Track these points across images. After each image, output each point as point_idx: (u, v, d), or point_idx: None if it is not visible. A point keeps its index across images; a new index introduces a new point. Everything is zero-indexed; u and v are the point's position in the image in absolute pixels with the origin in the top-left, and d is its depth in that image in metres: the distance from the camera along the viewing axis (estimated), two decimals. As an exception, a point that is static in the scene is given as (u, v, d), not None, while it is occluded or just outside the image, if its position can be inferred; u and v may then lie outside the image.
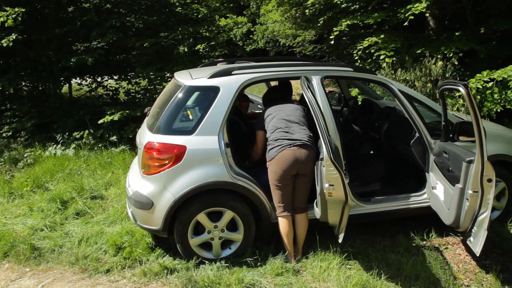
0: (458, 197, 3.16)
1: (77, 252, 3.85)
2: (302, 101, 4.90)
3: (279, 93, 4.08)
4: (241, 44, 24.37)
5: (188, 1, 9.65)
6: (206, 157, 3.48)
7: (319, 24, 9.42)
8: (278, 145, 3.47)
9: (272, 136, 3.56)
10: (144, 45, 7.63)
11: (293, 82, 4.27)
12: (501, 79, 5.07)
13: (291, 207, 3.56)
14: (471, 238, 3.18)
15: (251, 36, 23.36)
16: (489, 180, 2.99)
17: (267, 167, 3.54)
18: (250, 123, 4.30)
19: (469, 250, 3.78)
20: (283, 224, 3.55)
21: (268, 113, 3.72)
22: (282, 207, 3.53)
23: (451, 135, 3.77)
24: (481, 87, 5.18)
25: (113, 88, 9.26)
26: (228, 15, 21.54)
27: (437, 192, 3.64)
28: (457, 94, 5.75)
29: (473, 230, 3.14)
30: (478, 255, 3.08)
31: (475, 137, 2.96)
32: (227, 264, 3.56)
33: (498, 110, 5.23)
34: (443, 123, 3.67)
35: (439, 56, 6.35)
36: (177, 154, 3.44)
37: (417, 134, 3.92)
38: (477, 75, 5.37)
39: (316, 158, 3.43)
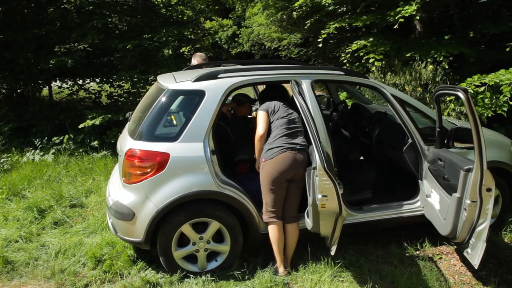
0: (455, 207, 3.03)
1: (53, 266, 3.65)
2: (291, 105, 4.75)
3: (279, 91, 3.85)
4: (226, 47, 24.29)
5: (173, 2, 9.48)
6: (190, 165, 3.31)
7: (306, 27, 9.33)
8: (278, 146, 3.33)
9: (273, 135, 3.41)
10: (127, 47, 7.42)
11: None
12: (493, 83, 5.01)
13: (282, 214, 3.40)
14: (469, 250, 3.05)
15: (236, 39, 23.30)
16: (488, 190, 2.87)
17: (261, 168, 3.38)
18: (244, 128, 4.16)
19: (464, 260, 3.67)
20: (274, 231, 3.38)
21: (277, 106, 3.52)
22: (274, 213, 3.37)
23: (445, 142, 3.65)
24: (472, 91, 5.12)
25: (95, 91, 9.02)
26: (213, 17, 21.42)
27: (431, 201, 3.52)
28: (448, 98, 5.67)
29: (470, 241, 3.02)
30: (476, 267, 2.96)
31: (474, 144, 2.84)
32: (213, 278, 3.39)
33: (489, 115, 5.16)
34: (438, 129, 3.55)
35: (429, 60, 6.28)
36: (160, 162, 3.26)
37: (410, 140, 3.80)
38: (468, 79, 5.30)
39: (307, 165, 3.30)
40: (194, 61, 5.44)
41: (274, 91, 3.86)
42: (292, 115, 3.51)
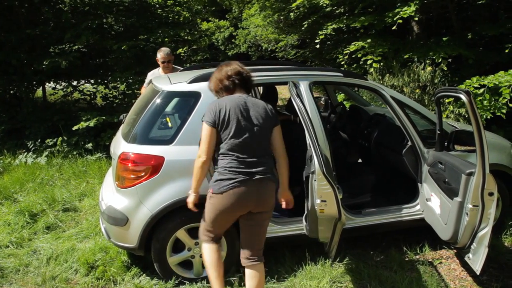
0: (457, 212, 2.97)
1: (44, 272, 3.56)
2: (289, 108, 4.69)
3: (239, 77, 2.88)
4: (223, 49, 24.21)
5: (169, 3, 9.40)
6: (186, 168, 3.20)
7: (303, 28, 9.27)
8: (229, 178, 2.66)
9: (225, 159, 2.68)
10: (122, 48, 7.33)
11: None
12: (492, 85, 4.96)
13: (221, 238, 2.96)
14: (470, 255, 2.99)
15: (233, 40, 23.22)
16: (490, 194, 2.81)
17: (208, 197, 2.80)
18: None
19: (464, 265, 3.60)
20: (210, 251, 2.84)
21: (229, 113, 2.66)
22: (212, 233, 2.86)
23: (446, 144, 3.58)
24: (472, 93, 5.06)
25: (90, 92, 8.92)
26: (210, 19, 21.35)
27: (432, 204, 3.45)
28: (447, 100, 5.62)
29: (472, 246, 2.96)
30: (478, 273, 2.90)
31: (475, 147, 2.78)
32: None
33: (488, 117, 5.12)
34: (438, 132, 3.49)
35: (427, 62, 6.23)
36: (154, 165, 3.18)
37: (409, 143, 3.74)
38: (467, 81, 5.26)
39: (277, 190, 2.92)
40: (158, 55, 5.38)
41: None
42: (254, 123, 2.73)
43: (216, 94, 2.91)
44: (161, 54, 5.34)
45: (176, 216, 3.23)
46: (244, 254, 2.84)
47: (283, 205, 2.97)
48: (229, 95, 2.79)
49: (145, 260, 3.57)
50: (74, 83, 9.01)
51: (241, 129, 2.67)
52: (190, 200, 2.83)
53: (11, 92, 8.37)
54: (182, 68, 5.22)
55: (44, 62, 6.97)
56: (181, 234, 3.27)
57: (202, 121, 2.74)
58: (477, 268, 2.89)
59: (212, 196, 2.75)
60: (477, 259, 2.90)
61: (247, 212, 2.76)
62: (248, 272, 2.81)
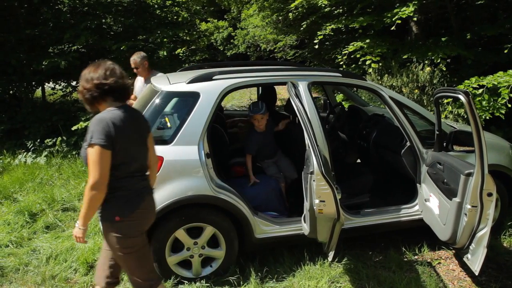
0: (455, 212, 2.97)
1: (44, 271, 3.56)
2: (288, 108, 4.70)
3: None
4: (221, 49, 24.22)
5: (168, 3, 9.41)
6: (185, 168, 3.23)
7: (301, 29, 9.28)
8: (134, 193, 2.39)
9: (121, 173, 2.33)
10: (121, 48, 7.33)
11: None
12: (491, 85, 4.96)
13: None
14: (469, 256, 2.99)
15: (232, 40, 23.23)
16: (489, 194, 2.81)
17: (112, 230, 2.34)
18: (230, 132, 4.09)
19: (463, 265, 3.61)
20: None
21: (121, 129, 2.28)
22: (151, 277, 2.51)
23: (445, 145, 3.59)
24: (470, 94, 5.07)
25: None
26: (209, 19, 21.34)
27: (430, 205, 3.46)
28: (446, 101, 5.63)
29: (471, 247, 2.96)
30: (477, 274, 2.90)
31: (474, 148, 2.78)
32: (208, 284, 3.31)
33: (487, 118, 5.12)
34: (437, 132, 3.49)
35: (426, 62, 6.24)
36: (154, 165, 3.16)
37: (408, 143, 3.74)
38: (466, 81, 5.26)
39: None
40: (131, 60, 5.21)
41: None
42: (145, 125, 2.54)
43: None
44: (131, 60, 5.20)
45: (175, 216, 3.23)
46: (111, 274, 2.55)
47: None
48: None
49: (144, 260, 3.57)
50: (73, 83, 9.01)
51: None
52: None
53: (11, 92, 8.38)
54: (159, 73, 5.11)
55: (44, 62, 6.98)
56: (180, 233, 3.27)
57: None
58: (476, 268, 2.89)
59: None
60: (476, 260, 2.90)
61: None
62: None
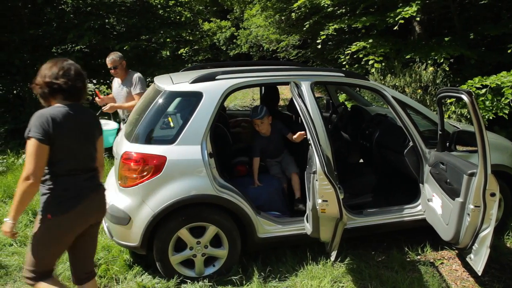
0: (458, 212, 2.97)
1: (47, 271, 3.55)
2: (290, 108, 4.70)
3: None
4: (224, 49, 24.24)
5: (171, 3, 9.43)
6: (188, 168, 3.23)
7: (304, 28, 9.28)
8: (74, 196, 2.39)
9: (59, 170, 2.34)
10: (124, 48, 7.36)
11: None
12: (495, 85, 4.95)
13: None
14: (472, 256, 2.99)
15: (234, 40, 23.24)
16: (492, 194, 2.80)
17: (42, 224, 2.36)
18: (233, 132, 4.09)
19: (465, 266, 3.60)
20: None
21: (59, 123, 2.32)
22: (44, 270, 2.48)
23: (448, 145, 3.58)
24: (473, 94, 5.06)
25: (92, 92, 8.94)
26: (211, 19, 21.37)
27: (433, 205, 3.45)
28: (449, 101, 5.62)
29: (474, 247, 2.95)
30: (480, 274, 2.89)
31: (477, 148, 2.78)
32: (211, 283, 3.32)
33: (491, 118, 5.11)
34: (440, 132, 3.48)
35: (429, 62, 6.22)
36: (157, 165, 3.18)
37: (410, 143, 3.74)
38: (469, 81, 5.25)
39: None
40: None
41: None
42: (91, 123, 2.55)
43: None
44: (107, 60, 5.01)
45: (178, 216, 3.23)
46: (81, 271, 2.63)
47: None
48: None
49: (147, 259, 3.58)
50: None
51: None
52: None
53: (14, 92, 8.41)
54: (136, 73, 5.03)
55: (47, 62, 6.99)
56: (183, 233, 3.28)
57: None
58: (479, 269, 2.89)
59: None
60: (479, 260, 2.90)
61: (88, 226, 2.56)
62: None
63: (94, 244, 2.71)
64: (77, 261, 2.63)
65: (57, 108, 2.35)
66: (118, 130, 4.97)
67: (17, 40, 7.43)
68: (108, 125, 4.90)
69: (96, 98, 5.23)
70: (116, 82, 5.19)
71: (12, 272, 3.62)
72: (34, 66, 7.55)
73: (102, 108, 4.96)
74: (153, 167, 3.18)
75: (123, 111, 5.11)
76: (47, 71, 2.37)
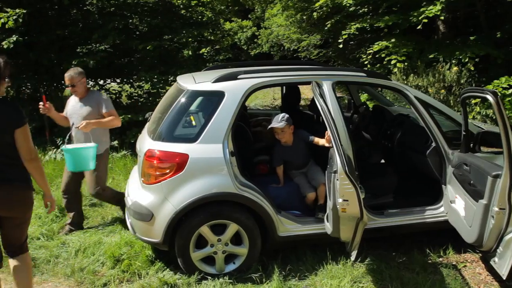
0: (482, 214, 2.92)
1: (73, 264, 3.67)
2: (312, 108, 4.70)
3: None
4: (245, 48, 24.24)
5: (193, 3, 9.51)
6: (209, 166, 3.28)
7: (326, 28, 9.24)
8: None
9: None
10: (147, 48, 7.47)
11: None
12: (522, 85, 4.84)
13: None
14: (496, 259, 2.94)
15: (255, 40, 23.23)
16: (518, 197, 2.75)
17: None
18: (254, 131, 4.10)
19: (489, 269, 3.54)
20: None
21: None
22: None
23: (472, 146, 3.53)
24: (499, 94, 4.95)
25: (116, 91, 9.11)
26: (233, 19, 21.43)
27: (456, 206, 3.40)
28: (474, 101, 5.52)
29: (498, 250, 2.90)
30: (504, 278, 2.84)
31: (502, 149, 2.73)
32: (231, 280, 3.35)
33: (517, 119, 4.99)
34: (464, 133, 3.43)
35: (453, 62, 6.12)
36: (179, 163, 3.24)
37: (433, 144, 3.70)
38: (495, 81, 5.15)
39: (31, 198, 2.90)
40: None
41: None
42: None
43: None
44: (65, 76, 4.26)
45: (200, 213, 3.28)
46: (7, 247, 2.90)
47: (48, 210, 3.07)
48: None
49: (169, 255, 3.63)
50: (101, 82, 9.20)
51: None
52: None
53: (42, 90, 8.63)
54: (100, 93, 4.55)
55: (73, 62, 7.16)
56: (204, 230, 3.32)
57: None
58: (503, 272, 2.84)
59: None
60: (503, 264, 2.85)
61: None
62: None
63: (11, 233, 2.83)
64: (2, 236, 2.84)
65: None
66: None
67: (44, 41, 7.61)
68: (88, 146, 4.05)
69: (40, 104, 4.23)
70: (73, 100, 4.40)
71: (40, 265, 3.73)
72: (60, 66, 7.72)
73: (77, 126, 4.19)
74: (175, 165, 3.24)
75: (77, 131, 4.38)
76: None
